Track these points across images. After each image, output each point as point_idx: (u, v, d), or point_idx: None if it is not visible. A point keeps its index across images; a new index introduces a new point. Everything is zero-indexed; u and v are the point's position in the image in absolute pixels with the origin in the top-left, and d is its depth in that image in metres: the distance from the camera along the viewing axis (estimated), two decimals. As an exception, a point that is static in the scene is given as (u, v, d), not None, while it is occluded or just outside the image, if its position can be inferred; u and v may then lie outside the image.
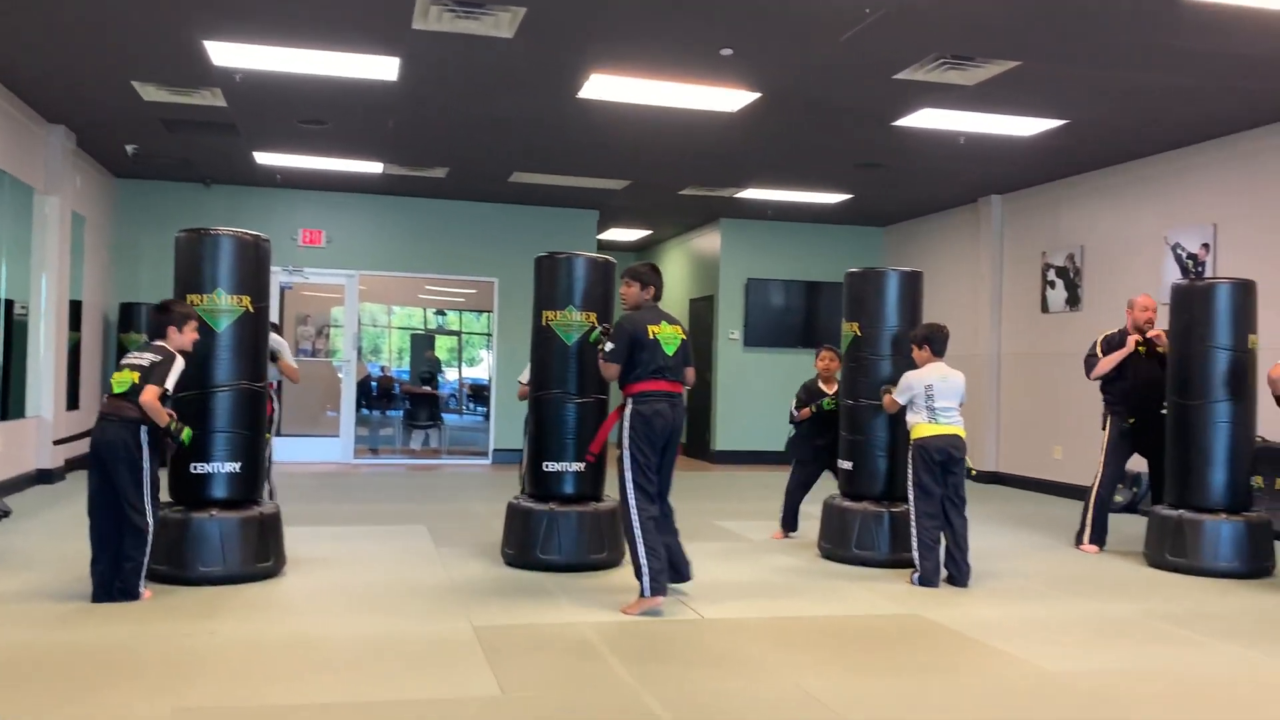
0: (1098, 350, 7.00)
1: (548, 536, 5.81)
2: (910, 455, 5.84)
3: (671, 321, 5.17)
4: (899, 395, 5.92)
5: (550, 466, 5.91)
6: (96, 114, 8.60)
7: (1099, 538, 6.91)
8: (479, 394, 16.02)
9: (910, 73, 6.87)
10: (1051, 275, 10.47)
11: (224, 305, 5.43)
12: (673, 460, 5.20)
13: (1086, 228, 10.04)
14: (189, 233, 5.55)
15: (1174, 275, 8.67)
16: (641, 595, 4.87)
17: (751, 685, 3.90)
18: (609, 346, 5.10)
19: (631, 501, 4.92)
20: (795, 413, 7.25)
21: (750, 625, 4.81)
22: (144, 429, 4.82)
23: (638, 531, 4.88)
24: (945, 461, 5.74)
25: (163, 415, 4.83)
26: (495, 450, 12.46)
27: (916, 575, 5.72)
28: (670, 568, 5.04)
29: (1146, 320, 6.86)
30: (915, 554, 5.75)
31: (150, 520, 4.85)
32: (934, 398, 5.76)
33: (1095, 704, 3.78)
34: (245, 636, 4.40)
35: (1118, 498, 8.70)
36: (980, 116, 7.94)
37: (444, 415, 14.34)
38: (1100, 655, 4.43)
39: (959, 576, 5.69)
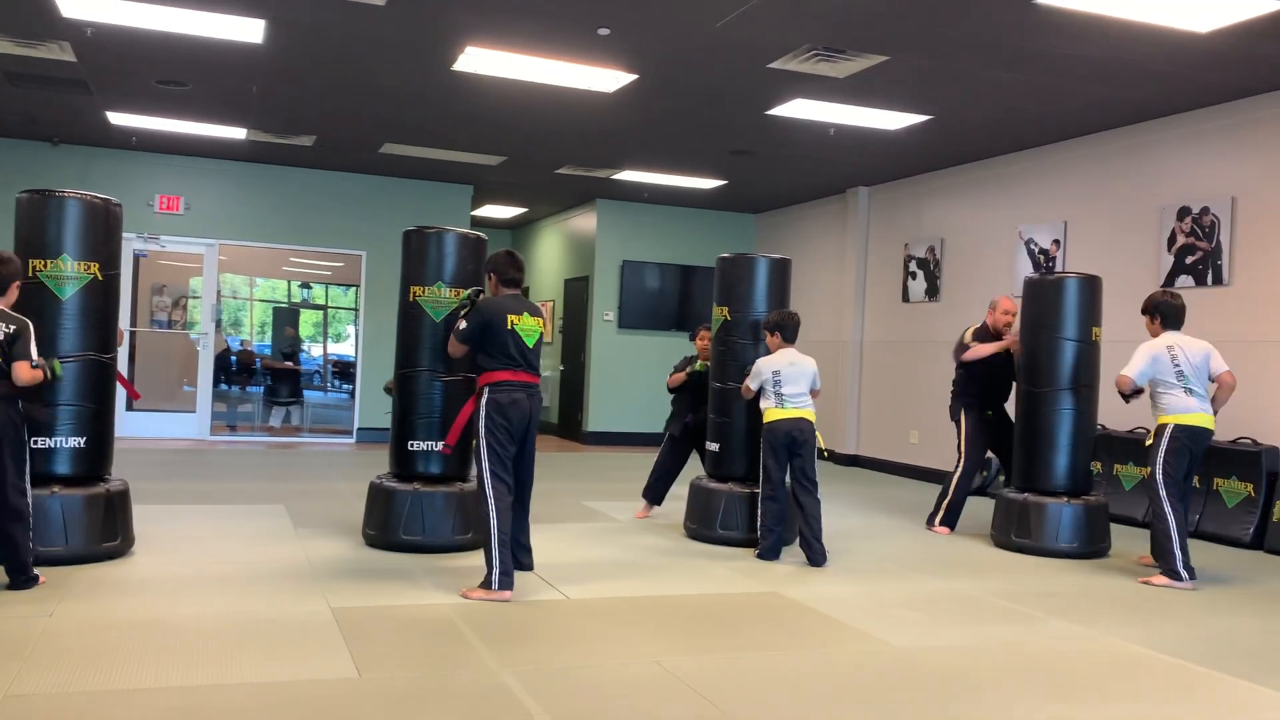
0: (967, 339, 7.17)
1: (411, 517, 5.72)
2: (761, 439, 6.05)
3: (534, 313, 5.12)
4: (750, 381, 6.14)
5: (415, 445, 5.81)
6: (-70, 63, 8.03)
7: (951, 520, 7.20)
8: (344, 371, 15.66)
9: (784, 62, 6.99)
10: (913, 266, 10.82)
11: (70, 272, 5.16)
12: (533, 451, 5.18)
13: (946, 221, 10.41)
14: (32, 194, 5.26)
15: (1027, 269, 9.08)
16: (488, 585, 4.79)
17: (613, 664, 3.94)
18: (463, 325, 5.04)
19: (489, 490, 4.89)
20: (679, 371, 7.21)
21: (614, 605, 4.84)
22: (19, 403, 4.53)
23: (494, 522, 4.83)
24: (790, 445, 5.94)
25: (39, 375, 4.55)
26: (360, 429, 12.20)
27: (758, 551, 6.03)
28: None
29: (1006, 323, 7.13)
30: (759, 531, 6.05)
31: (29, 500, 4.59)
32: (781, 383, 5.98)
33: (939, 677, 3.94)
34: (88, 619, 4.20)
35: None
36: (850, 109, 8.13)
37: (306, 392, 13.96)
38: (945, 631, 4.62)
39: (814, 556, 5.87)
